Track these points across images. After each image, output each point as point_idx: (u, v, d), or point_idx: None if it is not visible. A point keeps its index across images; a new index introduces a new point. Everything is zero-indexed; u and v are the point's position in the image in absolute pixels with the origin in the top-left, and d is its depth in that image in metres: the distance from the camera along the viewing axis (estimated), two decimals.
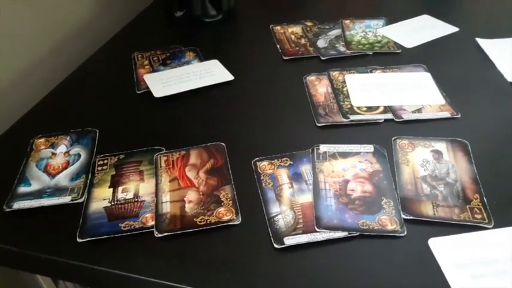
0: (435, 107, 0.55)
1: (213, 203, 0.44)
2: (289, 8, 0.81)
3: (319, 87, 0.59)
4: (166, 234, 0.42)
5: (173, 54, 0.68)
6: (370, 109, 0.55)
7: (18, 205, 0.45)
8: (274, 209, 0.43)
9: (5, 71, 0.62)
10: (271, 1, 0.85)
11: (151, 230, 0.42)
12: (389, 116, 0.54)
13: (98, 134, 0.54)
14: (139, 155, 0.50)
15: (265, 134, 0.53)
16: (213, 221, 0.42)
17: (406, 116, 0.53)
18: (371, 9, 0.79)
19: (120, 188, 0.46)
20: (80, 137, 0.53)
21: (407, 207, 0.43)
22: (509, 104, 0.55)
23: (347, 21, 0.73)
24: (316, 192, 0.45)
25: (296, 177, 0.46)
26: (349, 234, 0.41)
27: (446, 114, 0.54)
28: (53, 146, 0.52)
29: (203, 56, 0.67)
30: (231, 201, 0.44)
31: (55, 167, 0.50)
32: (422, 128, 0.52)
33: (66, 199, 0.46)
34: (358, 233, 0.41)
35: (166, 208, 0.44)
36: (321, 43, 0.68)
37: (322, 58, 0.65)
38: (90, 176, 0.48)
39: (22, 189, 0.47)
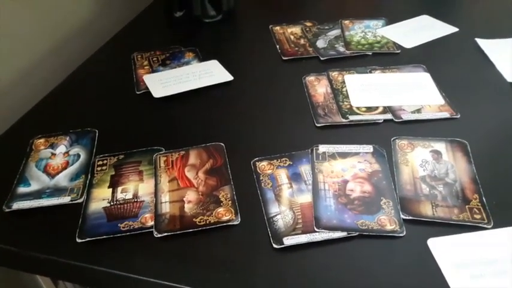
0: (434, 107, 0.55)
1: (213, 203, 0.44)
2: (288, 8, 0.81)
3: (319, 87, 0.59)
4: (165, 234, 0.42)
5: (173, 54, 0.68)
6: (369, 109, 0.55)
7: (17, 205, 0.45)
8: (274, 209, 0.43)
9: (5, 71, 0.62)
10: (271, 1, 0.85)
11: (151, 230, 0.42)
12: (388, 116, 0.54)
13: (97, 134, 0.54)
14: (138, 155, 0.50)
15: (264, 134, 0.53)
16: (212, 221, 0.42)
17: (406, 116, 0.53)
18: (370, 9, 0.79)
19: (119, 188, 0.46)
20: (80, 137, 0.53)
21: (406, 207, 0.43)
22: (508, 104, 0.55)
23: (346, 22, 0.73)
24: (315, 192, 0.45)
25: (295, 177, 0.46)
26: (349, 234, 0.41)
27: (445, 114, 0.54)
28: (52, 146, 0.52)
29: (203, 57, 0.67)
30: (230, 202, 0.44)
31: (54, 167, 0.50)
32: (421, 128, 0.52)
33: (65, 199, 0.46)
34: (357, 233, 0.41)
35: (166, 208, 0.44)
36: (321, 43, 0.68)
37: (322, 58, 0.65)
38: (89, 176, 0.48)
39: (21, 189, 0.47)
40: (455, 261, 0.38)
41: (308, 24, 0.74)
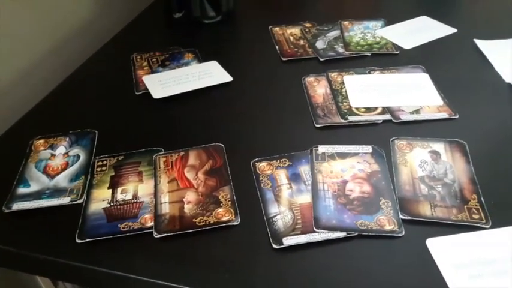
0: (433, 108, 0.55)
1: (212, 204, 0.44)
2: (288, 9, 0.81)
3: (318, 88, 0.60)
4: (165, 234, 0.42)
5: (172, 55, 0.68)
6: (368, 110, 0.55)
7: (17, 206, 0.45)
8: (273, 209, 0.44)
9: (5, 71, 0.62)
10: (270, 2, 0.85)
11: (151, 230, 0.42)
12: (387, 117, 0.54)
13: (97, 135, 0.54)
14: (138, 156, 0.50)
15: (264, 135, 0.53)
16: (212, 221, 0.43)
17: (404, 117, 0.54)
18: (369, 10, 0.79)
19: (119, 189, 0.47)
20: (79, 138, 0.53)
21: (405, 207, 0.43)
22: (506, 105, 0.56)
23: (346, 23, 0.73)
24: (314, 192, 0.45)
25: (295, 177, 0.47)
26: (348, 234, 0.41)
27: (444, 115, 0.54)
28: (52, 147, 0.52)
29: (202, 57, 0.67)
30: (229, 202, 0.44)
31: (54, 168, 0.50)
32: (420, 129, 0.52)
33: (65, 200, 0.46)
34: (356, 233, 0.41)
35: (165, 209, 0.44)
36: (320, 44, 0.68)
37: (321, 59, 0.65)
38: (89, 177, 0.48)
39: (21, 190, 0.47)
40: (454, 261, 0.39)
41: (307, 25, 0.74)
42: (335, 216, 0.42)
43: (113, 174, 0.48)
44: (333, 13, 0.77)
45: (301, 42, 0.70)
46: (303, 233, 0.41)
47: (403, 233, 0.41)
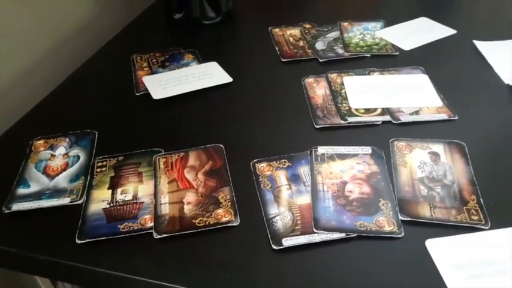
0: (433, 109, 0.55)
1: (212, 205, 0.44)
2: (287, 10, 0.81)
3: (318, 89, 0.60)
4: (165, 235, 0.42)
5: (172, 56, 0.68)
6: (368, 111, 0.55)
7: (17, 206, 0.45)
8: (273, 210, 0.44)
9: (5, 71, 0.62)
10: (270, 3, 0.85)
11: (150, 231, 0.42)
12: (387, 118, 0.54)
13: (96, 135, 0.54)
14: (138, 157, 0.50)
15: (263, 135, 0.53)
16: (211, 222, 0.43)
17: (404, 118, 0.54)
18: (369, 11, 0.79)
19: (119, 190, 0.47)
20: (79, 139, 0.53)
21: (404, 208, 0.43)
22: (506, 106, 0.56)
23: (345, 24, 0.73)
24: (314, 193, 0.45)
25: (294, 178, 0.47)
26: (347, 235, 0.41)
27: (443, 116, 0.54)
28: (52, 147, 0.52)
29: (202, 58, 0.67)
30: (229, 203, 0.44)
31: (54, 169, 0.50)
32: (419, 130, 0.52)
33: (65, 200, 0.46)
34: (356, 234, 0.41)
35: (165, 209, 0.44)
36: (319, 45, 0.68)
37: (321, 60, 0.65)
38: (89, 178, 0.48)
39: (21, 190, 0.47)
40: (453, 262, 0.39)
41: (307, 26, 0.74)
42: (334, 217, 0.42)
43: (113, 174, 0.48)
44: (333, 14, 0.77)
45: (301, 43, 0.70)
46: (303, 233, 0.41)
47: (403, 234, 0.41)
